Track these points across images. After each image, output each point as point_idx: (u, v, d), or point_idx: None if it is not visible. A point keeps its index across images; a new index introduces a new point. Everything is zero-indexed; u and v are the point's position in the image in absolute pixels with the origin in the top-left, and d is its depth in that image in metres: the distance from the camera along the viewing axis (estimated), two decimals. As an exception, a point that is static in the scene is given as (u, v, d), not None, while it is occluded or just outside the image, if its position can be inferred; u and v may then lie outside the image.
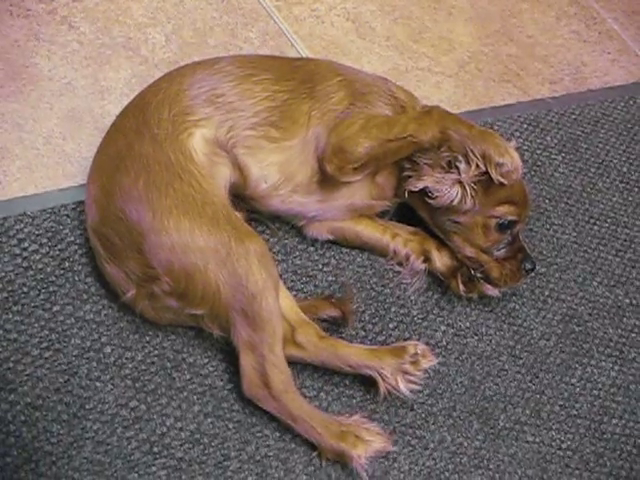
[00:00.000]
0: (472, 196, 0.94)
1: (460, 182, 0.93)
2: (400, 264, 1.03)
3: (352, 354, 0.93)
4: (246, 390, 0.89)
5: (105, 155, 0.92)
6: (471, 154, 0.91)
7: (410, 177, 0.96)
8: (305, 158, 0.94)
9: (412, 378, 0.92)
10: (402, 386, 0.91)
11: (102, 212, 0.89)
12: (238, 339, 0.87)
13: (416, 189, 0.96)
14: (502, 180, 0.92)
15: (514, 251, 1.00)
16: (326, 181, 0.95)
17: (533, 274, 1.10)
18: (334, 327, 0.98)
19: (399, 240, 1.03)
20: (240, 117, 0.92)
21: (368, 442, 0.89)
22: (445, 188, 0.93)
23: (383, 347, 0.96)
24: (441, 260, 1.02)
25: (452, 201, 0.94)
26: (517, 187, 0.97)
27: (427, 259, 1.02)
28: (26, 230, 0.96)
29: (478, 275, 1.00)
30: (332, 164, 0.93)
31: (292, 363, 0.91)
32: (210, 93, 0.92)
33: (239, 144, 0.92)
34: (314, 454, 0.90)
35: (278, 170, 0.94)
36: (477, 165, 0.91)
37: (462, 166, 0.92)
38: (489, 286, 1.01)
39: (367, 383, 0.95)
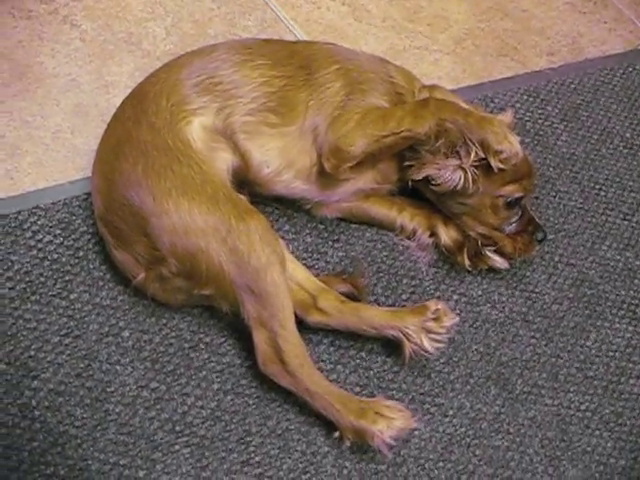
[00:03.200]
0: (475, 180, 0.94)
1: (462, 167, 0.93)
2: (408, 238, 1.04)
3: (375, 315, 0.93)
4: (262, 367, 0.89)
5: (105, 145, 0.93)
6: (470, 143, 0.91)
7: (412, 166, 0.96)
8: (303, 147, 0.94)
9: (436, 336, 0.92)
10: (427, 343, 0.91)
11: (106, 200, 0.91)
12: (248, 316, 0.87)
13: (419, 178, 0.96)
14: (502, 166, 0.93)
15: (524, 224, 1.01)
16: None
17: (546, 245, 1.11)
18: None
19: (406, 215, 1.04)
20: (238, 103, 0.92)
21: (390, 419, 0.87)
22: (447, 174, 0.94)
23: (404, 308, 0.97)
24: (448, 234, 1.02)
25: (456, 186, 0.95)
26: (521, 163, 0.97)
27: (434, 233, 1.03)
28: (40, 222, 0.98)
29: (489, 250, 1.01)
30: (329, 163, 0.93)
31: (312, 333, 0.93)
32: (208, 82, 0.93)
33: (238, 130, 0.92)
34: (336, 434, 0.88)
35: (279, 155, 0.94)
36: (476, 153, 0.91)
37: (462, 152, 0.92)
38: (497, 258, 1.01)
39: (385, 353, 0.96)
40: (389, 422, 0.87)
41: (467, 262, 1.02)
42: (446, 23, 1.33)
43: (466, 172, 0.94)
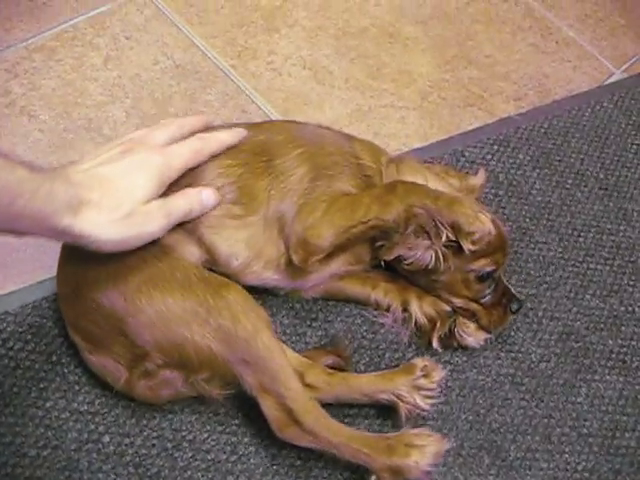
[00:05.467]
0: (446, 258, 0.93)
1: (433, 248, 0.92)
2: (385, 313, 1.02)
3: (364, 383, 0.92)
4: (278, 433, 0.86)
5: (66, 251, 0.91)
6: (440, 226, 0.89)
7: (383, 246, 0.94)
8: (270, 236, 0.92)
9: (428, 392, 0.91)
10: (420, 401, 0.90)
11: (74, 307, 0.88)
12: (251, 388, 0.85)
13: (390, 258, 0.95)
14: (473, 248, 0.91)
15: (499, 295, 1.00)
16: None
17: (524, 296, 1.10)
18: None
19: (380, 291, 1.02)
20: None
21: (421, 447, 0.85)
22: (418, 254, 0.92)
23: (392, 370, 0.95)
24: (421, 310, 1.00)
25: (427, 265, 0.93)
26: (492, 238, 0.94)
27: (406, 309, 1.01)
28: (9, 329, 0.95)
29: (461, 329, 1.00)
30: (297, 255, 0.91)
31: None
32: (165, 177, 0.87)
33: (202, 225, 0.90)
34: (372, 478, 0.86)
35: (246, 247, 0.92)
36: (447, 235, 0.89)
37: (432, 235, 0.90)
38: (470, 338, 1.00)
39: (376, 424, 0.95)
40: (422, 451, 0.85)
41: (436, 343, 1.00)
42: (410, 77, 1.32)
43: (437, 252, 0.92)
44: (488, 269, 0.97)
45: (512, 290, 1.01)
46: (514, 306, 1.00)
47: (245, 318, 0.84)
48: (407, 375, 0.92)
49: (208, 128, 0.94)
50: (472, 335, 1.00)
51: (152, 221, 0.83)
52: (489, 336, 1.02)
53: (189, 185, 0.88)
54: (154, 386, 0.88)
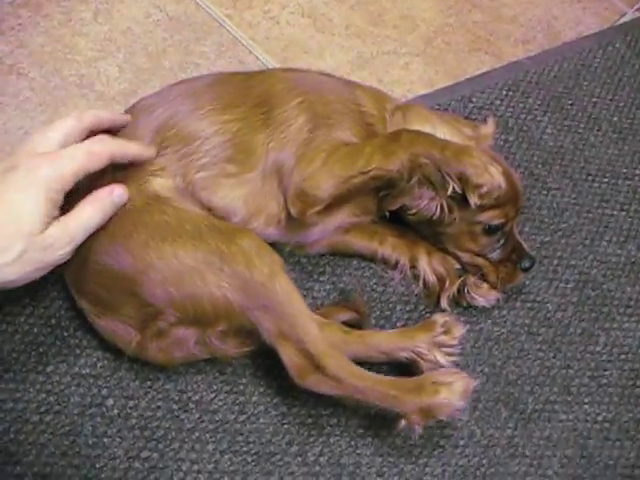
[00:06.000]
0: (452, 209, 0.89)
1: (438, 198, 0.87)
2: (393, 269, 0.98)
3: (382, 340, 0.88)
4: (298, 382, 0.82)
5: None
6: (447, 177, 0.84)
7: (387, 195, 0.90)
8: (269, 191, 0.88)
9: (449, 349, 0.88)
10: (441, 358, 0.87)
11: (79, 273, 0.85)
12: (269, 336, 0.81)
13: (394, 208, 0.91)
14: (480, 202, 0.85)
15: (508, 251, 0.95)
16: None
17: (539, 244, 1.06)
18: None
19: (387, 246, 0.98)
20: (191, 161, 0.85)
21: (449, 384, 0.82)
22: (423, 204, 0.88)
23: (411, 327, 0.92)
24: (430, 267, 0.96)
25: (432, 216, 0.89)
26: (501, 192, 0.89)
27: (415, 266, 0.97)
28: (5, 293, 0.91)
29: (474, 287, 0.96)
30: (295, 207, 0.86)
31: None
32: (159, 146, 0.85)
33: (197, 187, 0.85)
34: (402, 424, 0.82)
35: (244, 204, 0.87)
36: (454, 187, 0.84)
37: (438, 186, 0.85)
38: (480, 299, 0.96)
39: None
40: (450, 388, 0.82)
41: (444, 303, 0.97)
42: (413, 23, 1.27)
43: (442, 203, 0.87)
44: (496, 222, 0.92)
45: (525, 246, 0.96)
46: (525, 263, 0.95)
47: (261, 262, 0.80)
48: (427, 332, 0.88)
49: (115, 121, 0.85)
50: (483, 296, 0.96)
51: (54, 252, 0.75)
52: (500, 296, 0.97)
53: (179, 152, 0.84)
54: (167, 347, 0.84)
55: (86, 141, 0.79)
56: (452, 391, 0.82)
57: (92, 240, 0.81)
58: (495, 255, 0.95)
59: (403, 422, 0.82)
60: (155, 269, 0.80)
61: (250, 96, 0.89)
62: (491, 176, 0.84)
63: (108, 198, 0.80)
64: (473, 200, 0.85)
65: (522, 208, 0.96)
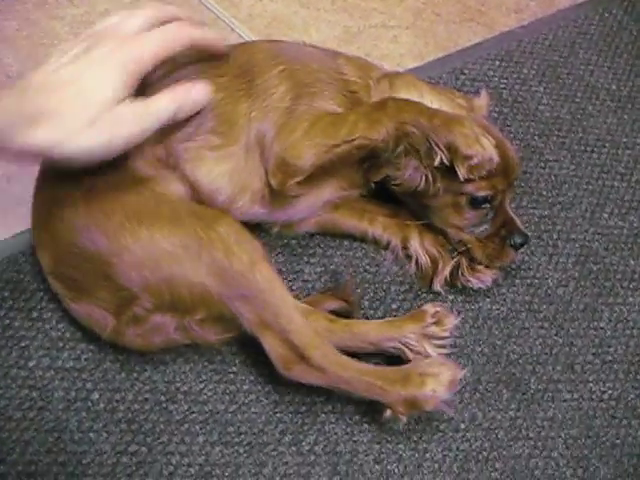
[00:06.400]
0: (435, 179, 0.84)
1: (423, 167, 0.83)
2: (385, 249, 0.95)
3: (370, 330, 0.85)
4: (283, 372, 0.79)
5: (40, 194, 0.84)
6: (435, 147, 0.79)
7: (371, 166, 0.86)
8: (252, 165, 0.84)
9: (439, 341, 0.84)
10: (430, 350, 0.84)
11: (54, 253, 0.82)
12: (250, 326, 0.78)
13: (377, 179, 0.87)
14: (470, 176, 0.81)
15: (497, 226, 0.90)
16: None
17: (537, 218, 1.02)
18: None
19: (378, 225, 0.94)
20: (173, 130, 0.81)
21: (436, 375, 0.79)
22: (407, 174, 0.84)
23: (400, 317, 0.88)
24: (422, 247, 0.92)
25: (417, 187, 0.85)
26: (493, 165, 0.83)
27: (407, 247, 0.93)
28: (-18, 286, 0.89)
29: (469, 269, 0.91)
30: (276, 178, 0.82)
31: None
32: None
33: (181, 159, 0.82)
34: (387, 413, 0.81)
35: (229, 180, 0.84)
36: (441, 158, 0.80)
37: (424, 155, 0.81)
38: (474, 280, 0.92)
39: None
40: (438, 379, 0.79)
41: (437, 286, 0.93)
42: (401, -6, 1.23)
43: (427, 173, 0.83)
44: (482, 194, 0.87)
45: (517, 222, 0.90)
46: (517, 240, 0.89)
47: (240, 250, 0.77)
48: (416, 322, 0.84)
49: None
50: (478, 278, 0.92)
51: (124, 124, 0.74)
52: (496, 277, 0.93)
53: None
54: (144, 333, 0.81)
55: (165, 25, 0.78)
56: (439, 382, 0.79)
57: (67, 219, 0.78)
58: (483, 230, 0.90)
59: (388, 412, 0.81)
60: (130, 252, 0.76)
61: (233, 66, 0.85)
62: (482, 147, 0.79)
63: (187, 93, 0.79)
64: (462, 172, 0.80)
65: (514, 181, 0.91)
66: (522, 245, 0.90)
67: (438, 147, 0.80)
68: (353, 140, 0.81)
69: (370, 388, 0.80)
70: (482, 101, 0.96)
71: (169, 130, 0.81)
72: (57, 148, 0.70)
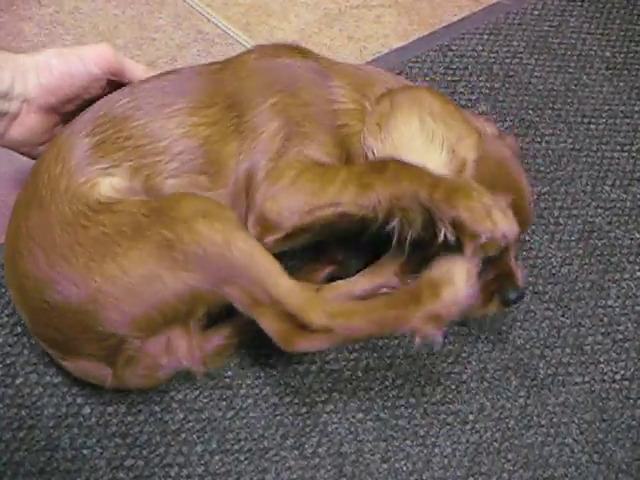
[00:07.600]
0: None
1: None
2: None
3: (356, 284, 0.83)
4: (288, 348, 0.73)
5: (6, 248, 0.79)
6: (438, 223, 0.71)
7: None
8: (241, 211, 0.78)
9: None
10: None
11: (29, 314, 0.77)
12: (244, 307, 0.72)
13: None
14: (479, 254, 0.71)
15: (489, 277, 0.81)
16: None
17: (537, 196, 0.98)
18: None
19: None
20: (157, 163, 0.76)
21: (447, 280, 0.71)
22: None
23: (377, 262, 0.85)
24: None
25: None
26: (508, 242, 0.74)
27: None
28: (-36, 304, 0.85)
29: None
30: (254, 230, 0.76)
31: (296, 363, 0.83)
32: (115, 136, 0.76)
33: (164, 194, 0.76)
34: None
35: None
36: (445, 235, 0.70)
37: (424, 234, 0.73)
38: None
39: (383, 367, 0.85)
40: (450, 283, 0.71)
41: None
42: (382, -28, 1.18)
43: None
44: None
45: (517, 276, 0.81)
46: (510, 296, 0.81)
47: (209, 229, 0.70)
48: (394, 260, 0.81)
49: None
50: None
51: None
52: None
53: (144, 147, 0.75)
54: (144, 370, 0.76)
55: None
56: (453, 285, 0.71)
57: (31, 275, 0.73)
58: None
59: (418, 339, 0.72)
60: (104, 293, 0.70)
61: (221, 94, 0.80)
62: (493, 223, 0.69)
63: None
64: (468, 251, 0.70)
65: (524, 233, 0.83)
66: (514, 303, 0.83)
67: (442, 223, 0.70)
68: (339, 204, 0.73)
69: (385, 323, 0.72)
70: (489, 129, 0.84)
71: (150, 162, 0.76)
72: None
